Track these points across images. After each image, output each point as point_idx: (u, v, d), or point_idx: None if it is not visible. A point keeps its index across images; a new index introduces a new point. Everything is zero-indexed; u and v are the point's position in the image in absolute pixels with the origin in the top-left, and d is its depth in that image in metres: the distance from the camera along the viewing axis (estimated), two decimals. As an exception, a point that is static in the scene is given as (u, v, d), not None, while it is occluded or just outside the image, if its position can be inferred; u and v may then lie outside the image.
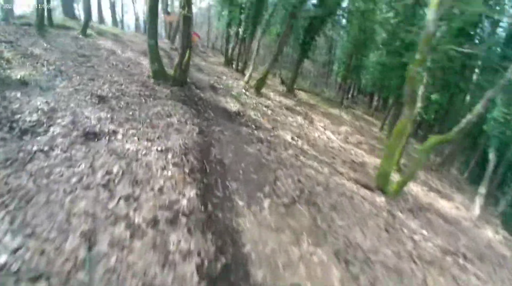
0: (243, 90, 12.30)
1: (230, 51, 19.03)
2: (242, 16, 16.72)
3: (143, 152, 4.64)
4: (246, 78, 13.63)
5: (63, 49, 9.28)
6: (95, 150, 4.42)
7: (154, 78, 8.44)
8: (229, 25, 18.63)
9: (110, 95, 6.51)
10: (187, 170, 4.59)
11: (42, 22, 10.52)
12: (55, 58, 8.15)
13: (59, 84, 6.69)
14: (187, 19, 8.08)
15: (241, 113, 8.92)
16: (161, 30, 36.96)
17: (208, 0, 31.95)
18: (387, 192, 8.56)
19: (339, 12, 19.48)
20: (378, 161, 11.23)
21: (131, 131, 5.17)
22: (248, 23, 16.61)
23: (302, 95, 19.84)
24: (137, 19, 34.58)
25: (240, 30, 17.25)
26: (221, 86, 11.71)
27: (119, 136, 4.93)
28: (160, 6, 28.35)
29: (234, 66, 18.38)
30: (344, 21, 22.25)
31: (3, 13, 13.51)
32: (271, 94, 14.85)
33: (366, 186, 8.47)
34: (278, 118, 10.70)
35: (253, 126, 8.19)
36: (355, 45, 22.57)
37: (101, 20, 27.24)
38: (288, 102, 14.78)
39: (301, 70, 24.49)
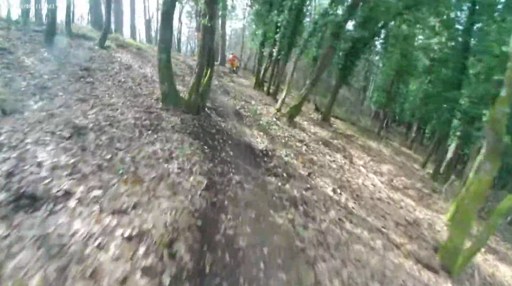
0: (274, 119, 10.36)
1: (262, 72, 17.36)
2: (277, 36, 15.10)
3: (98, 242, 2.68)
4: (278, 104, 11.71)
5: (66, 60, 7.87)
6: (17, 235, 2.54)
7: (163, 101, 6.70)
8: (262, 44, 17.12)
9: (92, 125, 4.74)
10: (166, 282, 2.59)
11: (52, 29, 9.29)
12: (47, 71, 6.66)
13: (33, 105, 5.07)
14: (207, 30, 6.37)
15: (270, 153, 6.90)
16: (195, 47, 36.65)
17: (242, 21, 31.35)
18: (453, 272, 6.24)
19: (383, 34, 17.65)
20: (430, 214, 8.99)
21: (94, 193, 3.27)
22: (283, 43, 14.93)
23: (337, 124, 17.71)
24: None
25: (274, 51, 15.60)
26: (248, 113, 9.83)
27: (71, 203, 3.04)
28: (194, 24, 27.89)
29: (265, 89, 16.62)
30: (379, 46, 20.60)
31: (23, 17, 12.67)
32: (305, 124, 12.81)
33: (428, 266, 6.21)
34: (314, 157, 8.57)
35: (284, 174, 6.09)
36: (397, 71, 20.52)
37: (133, 35, 26.86)
38: (324, 134, 12.65)
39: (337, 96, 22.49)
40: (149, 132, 5.18)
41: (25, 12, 13.25)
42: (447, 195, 11.99)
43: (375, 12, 13.94)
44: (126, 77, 8.35)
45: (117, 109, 5.62)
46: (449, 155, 15.70)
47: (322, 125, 14.80)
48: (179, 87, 9.02)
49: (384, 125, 24.89)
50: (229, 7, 16.81)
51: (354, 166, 10.54)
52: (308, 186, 6.13)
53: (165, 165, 4.37)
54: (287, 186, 5.55)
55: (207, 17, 6.17)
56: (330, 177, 7.69)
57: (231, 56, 23.42)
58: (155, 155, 4.53)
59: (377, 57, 25.25)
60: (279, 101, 11.81)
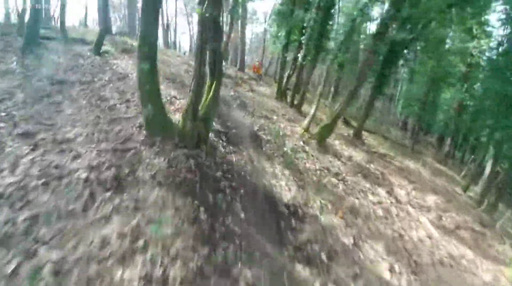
0: (301, 143, 8.22)
1: (285, 80, 15.20)
2: (303, 38, 13.00)
3: None
4: (305, 123, 9.50)
5: (36, 72, 6.14)
6: None
7: (148, 130, 4.77)
8: (285, 48, 14.98)
9: (12, 189, 2.84)
10: None
11: (34, 32, 7.72)
12: (0, 89, 4.93)
13: None
14: (205, 24, 4.28)
15: (299, 209, 4.75)
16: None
17: (264, 25, 29.70)
18: None
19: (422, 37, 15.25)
20: (491, 267, 6.43)
21: None
22: (309, 46, 12.77)
23: (369, 139, 15.36)
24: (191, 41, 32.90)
25: (299, 55, 13.45)
26: (269, 137, 7.72)
27: None
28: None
29: (288, 99, 14.47)
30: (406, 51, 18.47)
31: (21, 19, 11.27)
32: (337, 143, 10.59)
33: None
34: (356, 201, 6.39)
35: (323, 254, 3.89)
36: (433, 79, 18.12)
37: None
38: (360, 157, 10.38)
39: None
40: (109, 193, 3.21)
41: (23, 14, 11.89)
42: (502, 232, 9.71)
43: (416, 10, 11.62)
44: (114, 91, 6.51)
45: (71, 150, 3.72)
46: (487, 175, 12.92)
47: (355, 143, 12.60)
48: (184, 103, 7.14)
49: (416, 138, 22.36)
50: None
51: (401, 205, 8.28)
52: (357, 270, 3.97)
53: (117, 274, 2.39)
54: (330, 287, 3.41)
55: (205, 4, 4.08)
56: (379, 235, 5.49)
57: (257, 63, 22.37)
58: (104, 249, 2.56)
59: (401, 62, 23.20)
60: (307, 119, 9.59)
